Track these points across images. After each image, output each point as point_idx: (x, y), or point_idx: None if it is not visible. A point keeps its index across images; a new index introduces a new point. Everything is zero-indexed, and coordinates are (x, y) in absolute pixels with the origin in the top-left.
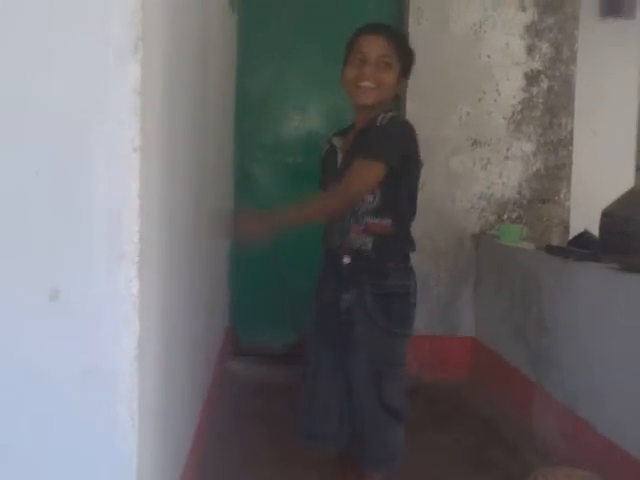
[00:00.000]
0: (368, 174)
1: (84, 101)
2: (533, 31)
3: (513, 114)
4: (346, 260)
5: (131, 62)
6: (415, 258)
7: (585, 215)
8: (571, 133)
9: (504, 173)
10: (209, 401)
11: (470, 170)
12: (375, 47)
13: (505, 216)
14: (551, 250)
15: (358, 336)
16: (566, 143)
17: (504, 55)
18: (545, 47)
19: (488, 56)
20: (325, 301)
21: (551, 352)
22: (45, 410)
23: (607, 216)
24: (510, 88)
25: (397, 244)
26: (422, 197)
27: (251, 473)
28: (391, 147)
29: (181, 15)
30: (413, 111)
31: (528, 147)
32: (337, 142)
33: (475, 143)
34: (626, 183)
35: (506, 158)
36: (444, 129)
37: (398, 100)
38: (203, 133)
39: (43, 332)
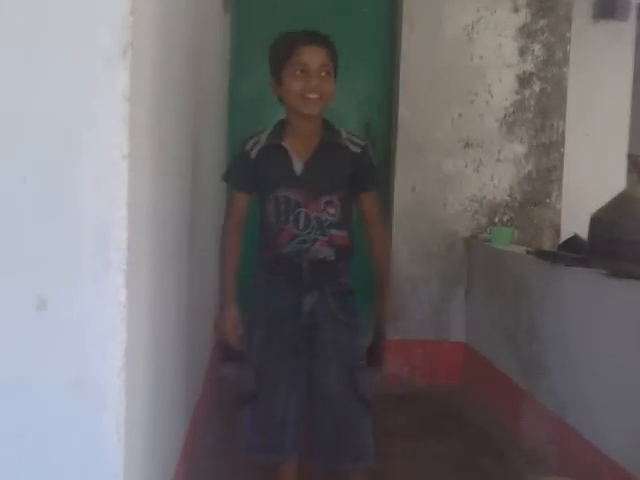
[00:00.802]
0: None
1: (72, 108)
2: (525, 33)
3: (505, 116)
4: (306, 265)
5: (120, 68)
6: (407, 261)
7: (576, 218)
8: (563, 135)
9: (496, 175)
10: (199, 409)
11: (462, 172)
12: (316, 58)
13: (497, 219)
14: (541, 255)
15: (324, 336)
16: (558, 145)
17: (496, 57)
18: (537, 49)
19: (480, 58)
20: (279, 307)
21: (540, 359)
22: (29, 423)
23: (596, 221)
24: (502, 90)
25: (350, 252)
26: (414, 200)
27: None
28: None
29: (172, 19)
30: (405, 114)
31: (520, 149)
32: (287, 146)
33: (467, 145)
34: (617, 185)
35: (498, 160)
36: (436, 131)
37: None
38: (195, 138)
39: (29, 342)
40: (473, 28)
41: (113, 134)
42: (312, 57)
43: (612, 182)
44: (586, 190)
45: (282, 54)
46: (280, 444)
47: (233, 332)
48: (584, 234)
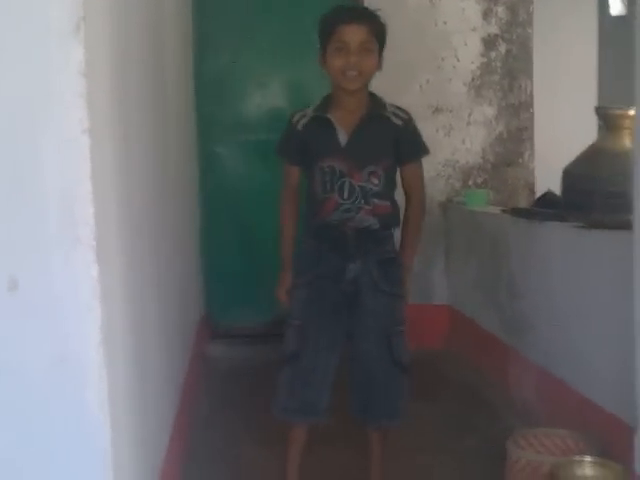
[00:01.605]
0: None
1: (29, 85)
2: None
3: (473, 79)
4: (351, 232)
5: (74, 43)
6: None
7: (551, 176)
8: (531, 95)
9: (467, 139)
10: (188, 385)
11: (433, 138)
12: (356, 36)
13: (471, 182)
14: (516, 212)
15: (365, 304)
16: (527, 105)
17: (460, 21)
18: (501, 10)
19: (445, 23)
20: (323, 272)
21: (523, 315)
22: (12, 404)
23: (568, 175)
24: (468, 54)
25: (393, 222)
26: None
27: (236, 455)
28: None
29: None
30: (374, 81)
31: (489, 111)
32: (332, 118)
33: (437, 110)
34: (589, 141)
35: (468, 124)
36: (405, 98)
37: None
38: (161, 114)
39: (4, 323)
40: None
41: (71, 110)
42: (352, 35)
43: (584, 139)
44: (559, 148)
45: (326, 31)
46: (316, 406)
47: (285, 295)
48: (559, 191)
